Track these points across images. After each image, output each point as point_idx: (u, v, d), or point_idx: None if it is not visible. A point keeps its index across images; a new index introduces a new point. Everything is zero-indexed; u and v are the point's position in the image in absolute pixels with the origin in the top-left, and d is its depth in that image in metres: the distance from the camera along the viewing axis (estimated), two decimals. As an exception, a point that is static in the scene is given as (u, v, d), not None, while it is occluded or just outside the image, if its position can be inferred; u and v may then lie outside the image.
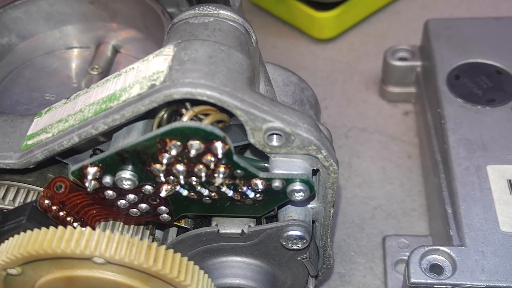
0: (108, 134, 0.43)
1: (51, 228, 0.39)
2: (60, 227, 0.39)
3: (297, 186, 0.40)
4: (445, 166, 0.56)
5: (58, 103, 0.46)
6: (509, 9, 0.84)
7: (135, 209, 0.43)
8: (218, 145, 0.38)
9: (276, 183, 0.40)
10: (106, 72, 0.60)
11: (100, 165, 0.40)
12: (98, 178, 0.40)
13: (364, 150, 0.69)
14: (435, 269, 0.49)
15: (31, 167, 0.43)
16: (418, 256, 0.49)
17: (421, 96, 0.68)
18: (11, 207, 0.45)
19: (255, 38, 0.47)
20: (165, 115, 0.41)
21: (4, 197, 0.45)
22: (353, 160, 0.69)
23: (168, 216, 0.44)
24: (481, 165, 0.54)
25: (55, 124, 0.43)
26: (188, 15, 0.46)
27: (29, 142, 0.44)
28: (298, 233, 0.43)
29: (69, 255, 0.38)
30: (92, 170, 0.40)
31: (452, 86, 0.61)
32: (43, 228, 0.39)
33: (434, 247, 0.49)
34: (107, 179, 0.40)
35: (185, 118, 0.39)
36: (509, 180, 0.52)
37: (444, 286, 0.47)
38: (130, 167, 0.40)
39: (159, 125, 0.41)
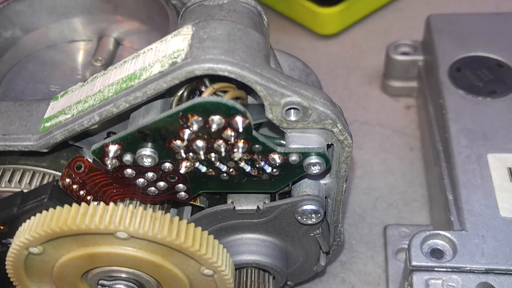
0: (121, 116, 0.43)
1: (74, 205, 0.39)
2: (83, 204, 0.39)
3: (314, 159, 0.41)
4: (446, 155, 0.57)
5: (74, 86, 0.46)
6: (509, 7, 0.86)
7: (153, 188, 0.44)
8: (239, 119, 0.39)
9: (293, 157, 0.41)
10: (109, 63, 0.60)
11: (122, 143, 0.40)
12: (118, 157, 0.41)
13: (366, 142, 0.70)
14: (436, 253, 0.49)
15: (46, 150, 0.44)
16: (419, 240, 0.49)
17: (423, 89, 0.69)
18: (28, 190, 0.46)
19: (266, 20, 0.48)
20: (185, 93, 0.41)
21: (20, 181, 0.45)
22: (355, 152, 0.70)
23: (186, 194, 0.44)
24: (482, 154, 0.54)
25: (73, 105, 0.43)
26: None
27: (47, 124, 0.44)
28: (312, 207, 0.44)
29: (93, 230, 0.38)
30: (113, 148, 0.40)
31: (454, 78, 0.61)
32: (66, 205, 0.39)
33: (435, 231, 0.50)
34: (128, 157, 0.41)
35: (205, 95, 0.40)
36: (510, 168, 0.53)
37: (445, 269, 0.48)
38: (150, 144, 0.40)
39: (178, 103, 0.41)
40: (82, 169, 0.43)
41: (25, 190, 0.45)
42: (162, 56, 0.41)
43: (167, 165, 0.42)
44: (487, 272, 0.47)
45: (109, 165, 0.41)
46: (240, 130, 0.39)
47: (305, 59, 0.79)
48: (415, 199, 0.65)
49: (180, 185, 0.44)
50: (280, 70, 0.50)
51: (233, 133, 0.40)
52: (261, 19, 0.47)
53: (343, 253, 0.61)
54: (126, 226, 0.38)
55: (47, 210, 0.40)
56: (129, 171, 0.42)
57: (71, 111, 0.43)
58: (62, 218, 0.38)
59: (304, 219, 0.45)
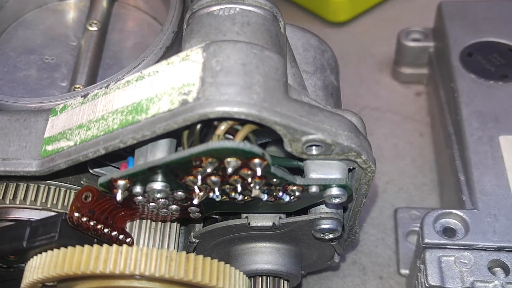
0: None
1: (87, 247, 0.36)
2: (96, 246, 0.36)
3: (335, 191, 0.37)
4: (458, 137, 0.55)
5: (73, 101, 0.41)
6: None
7: (165, 209, 0.40)
8: (257, 162, 0.34)
9: (313, 189, 0.37)
10: (105, 27, 0.54)
11: (131, 178, 0.36)
12: (128, 188, 0.37)
13: (377, 128, 0.67)
14: (448, 232, 0.47)
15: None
16: (432, 219, 0.47)
17: (433, 76, 0.66)
18: (35, 208, 0.42)
19: (283, 23, 0.42)
20: (198, 127, 0.36)
21: (25, 197, 0.41)
22: None
23: (199, 213, 0.41)
24: (493, 136, 0.52)
25: (75, 130, 0.39)
26: (210, 2, 0.40)
27: (49, 148, 0.40)
28: (330, 226, 0.41)
29: (108, 275, 0.35)
30: (121, 183, 0.36)
31: (465, 62, 0.59)
32: (78, 247, 0.36)
33: (447, 210, 0.48)
34: (138, 189, 0.37)
35: (219, 131, 0.35)
36: None
37: (457, 247, 0.46)
38: (161, 178, 0.36)
39: (189, 136, 0.37)
40: (90, 198, 0.39)
41: (31, 207, 0.41)
42: (171, 87, 0.35)
43: (180, 194, 0.38)
44: (498, 249, 0.45)
45: (119, 198, 0.37)
46: (259, 173, 0.35)
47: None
48: (425, 183, 0.62)
49: (193, 208, 0.40)
50: (297, 73, 0.44)
51: (250, 172, 0.35)
52: (277, 26, 0.41)
53: (354, 235, 0.61)
54: (142, 271, 0.35)
55: (58, 247, 0.37)
56: (139, 198, 0.38)
57: (73, 138, 0.38)
58: (75, 262, 0.35)
59: (321, 236, 0.42)
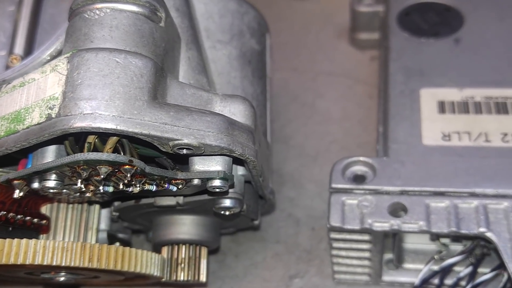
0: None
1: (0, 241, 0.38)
2: (1, 240, 0.39)
3: (216, 183, 0.38)
4: (385, 92, 0.53)
5: None
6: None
7: (72, 195, 0.41)
8: (126, 168, 0.35)
9: (195, 182, 0.37)
10: None
11: (24, 178, 0.37)
12: (25, 185, 0.38)
13: (328, 92, 0.65)
14: (359, 180, 0.46)
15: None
16: (341, 166, 0.46)
17: (380, 38, 0.64)
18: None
19: (164, 15, 0.40)
20: (71, 138, 0.37)
21: None
22: (316, 100, 0.64)
23: (107, 198, 0.43)
24: (415, 89, 0.51)
25: None
26: (85, 1, 0.39)
27: None
28: (229, 204, 0.42)
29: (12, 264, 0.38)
30: (17, 183, 0.38)
31: (401, 22, 0.57)
32: None
33: (356, 158, 0.47)
34: (35, 186, 0.38)
35: (91, 138, 0.36)
36: (439, 101, 0.50)
37: (363, 191, 0.45)
38: (53, 176, 0.37)
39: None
40: None
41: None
42: (41, 99, 0.36)
43: (75, 187, 0.38)
44: (401, 193, 0.44)
45: (16, 196, 0.38)
46: (129, 178, 0.35)
47: (282, 16, 0.79)
48: (367, 142, 0.60)
49: (98, 194, 0.41)
50: (193, 55, 0.43)
51: (125, 174, 0.35)
52: (153, 22, 0.39)
53: (293, 190, 0.57)
54: (40, 261, 0.38)
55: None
56: (41, 191, 0.38)
57: None
58: None
59: (222, 212, 0.43)
